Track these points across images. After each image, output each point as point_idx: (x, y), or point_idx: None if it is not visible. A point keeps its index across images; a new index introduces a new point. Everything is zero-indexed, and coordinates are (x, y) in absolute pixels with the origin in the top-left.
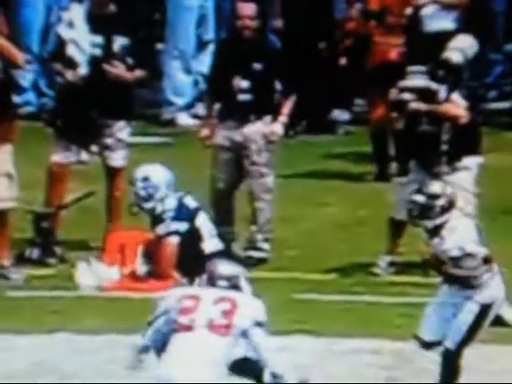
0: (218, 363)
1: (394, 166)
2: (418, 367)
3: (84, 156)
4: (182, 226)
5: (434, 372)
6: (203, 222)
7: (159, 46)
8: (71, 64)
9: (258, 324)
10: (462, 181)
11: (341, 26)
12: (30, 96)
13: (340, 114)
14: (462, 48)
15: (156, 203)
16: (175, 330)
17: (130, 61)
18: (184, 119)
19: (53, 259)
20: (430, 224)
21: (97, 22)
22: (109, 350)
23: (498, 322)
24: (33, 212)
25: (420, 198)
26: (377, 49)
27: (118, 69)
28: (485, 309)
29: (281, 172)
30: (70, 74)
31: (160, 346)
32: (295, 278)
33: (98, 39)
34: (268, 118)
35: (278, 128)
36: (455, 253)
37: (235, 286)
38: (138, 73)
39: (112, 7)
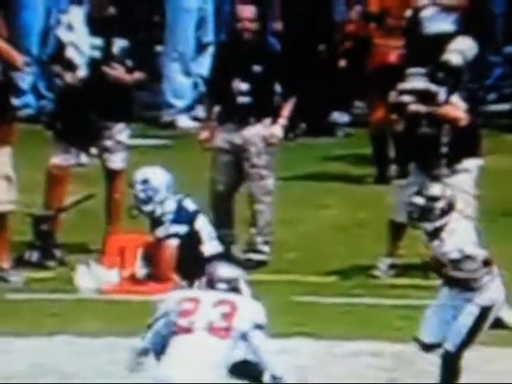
0: (217, 366)
1: (393, 169)
2: (418, 369)
3: (83, 158)
4: (182, 229)
5: (434, 374)
6: (203, 225)
7: (159, 48)
8: (70, 66)
9: (258, 326)
10: (461, 183)
11: (340, 29)
12: (29, 98)
13: (340, 117)
14: (461, 50)
15: (155, 206)
16: (175, 333)
17: (129, 63)
18: (184, 121)
19: (52, 262)
20: (429, 226)
21: (96, 25)
22: (108, 353)
23: (498, 324)
24: (32, 215)
25: (420, 201)
26: (376, 51)
27: (117, 71)
28: (485, 311)
29: (280, 174)
30: (69, 77)
31: (159, 348)
32: (295, 281)
33: (98, 41)
34: (268, 121)
35: (277, 130)
36: (455, 255)
37: (235, 289)
38: (138, 75)
39: (111, 9)
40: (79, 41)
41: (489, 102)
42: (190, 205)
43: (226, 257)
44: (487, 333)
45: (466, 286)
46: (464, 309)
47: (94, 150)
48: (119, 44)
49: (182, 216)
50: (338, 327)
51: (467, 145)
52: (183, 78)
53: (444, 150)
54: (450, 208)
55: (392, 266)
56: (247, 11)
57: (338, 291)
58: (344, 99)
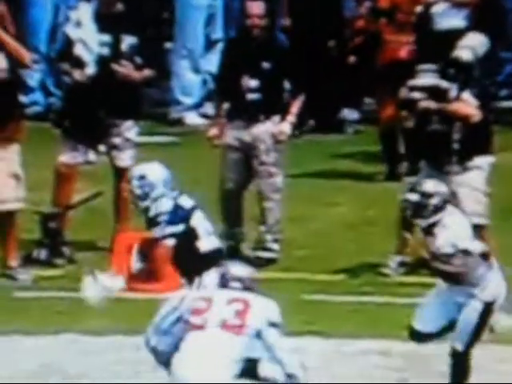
0: (231, 361)
1: (404, 166)
2: (428, 369)
3: (91, 156)
4: (178, 228)
5: (444, 373)
6: (199, 221)
7: (167, 45)
8: (79, 63)
9: (273, 324)
10: (473, 180)
11: (350, 24)
12: (38, 96)
13: (349, 113)
14: (472, 46)
15: (151, 203)
16: (187, 330)
17: (138, 60)
18: (192, 118)
19: (60, 260)
20: (423, 223)
21: (105, 21)
22: (115, 351)
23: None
24: (40, 213)
25: (413, 197)
26: (387, 47)
27: (126, 68)
28: (488, 307)
29: (289, 172)
30: (77, 74)
31: (172, 348)
32: (304, 279)
33: (106, 38)
34: (277, 118)
35: (286, 127)
36: (448, 250)
37: (248, 288)
38: (146, 72)
39: (120, 6)
40: (88, 38)
41: (500, 98)
42: (185, 202)
43: (233, 254)
44: (496, 331)
45: (460, 280)
46: (467, 306)
47: (102, 148)
48: (128, 41)
49: (178, 215)
50: (347, 326)
51: (478, 142)
52: (192, 75)
53: (455, 146)
54: (443, 204)
55: (402, 264)
56: (256, 8)
57: (348, 289)
58: (354, 96)
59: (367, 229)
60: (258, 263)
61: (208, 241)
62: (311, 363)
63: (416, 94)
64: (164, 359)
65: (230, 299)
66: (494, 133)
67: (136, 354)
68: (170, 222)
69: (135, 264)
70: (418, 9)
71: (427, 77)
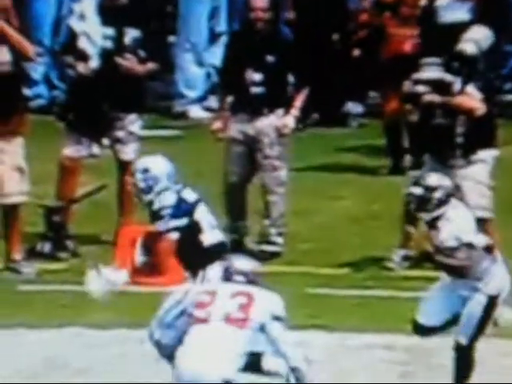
0: (235, 355)
1: (408, 159)
2: (432, 362)
3: (95, 149)
4: (182, 222)
5: (448, 367)
6: (202, 215)
7: (171, 38)
8: (83, 56)
9: (277, 318)
10: (477, 174)
11: (354, 18)
12: (41, 89)
13: (353, 107)
14: (476, 39)
15: (155, 196)
16: (191, 324)
17: (141, 53)
18: (196, 112)
19: (64, 253)
20: (427, 216)
21: (108, 14)
22: (119, 345)
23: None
24: (44, 206)
25: (417, 191)
26: (391, 40)
27: (129, 61)
28: (492, 300)
29: (294, 165)
30: (81, 67)
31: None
32: (308, 273)
33: (110, 31)
34: (281, 111)
35: (289, 121)
36: (451, 243)
37: (252, 281)
38: (150, 65)
39: None
40: (91, 31)
41: (505, 91)
42: (189, 196)
43: (237, 248)
44: (499, 325)
45: (463, 274)
46: (472, 299)
47: (105, 141)
48: (131, 34)
49: (181, 209)
50: (352, 319)
51: (483, 135)
52: (196, 68)
53: (459, 140)
54: (447, 198)
55: (406, 258)
56: (260, 1)
57: (352, 283)
58: (358, 89)
59: (371, 223)
60: (262, 257)
61: (211, 234)
62: (315, 357)
63: (420, 88)
64: (167, 352)
65: (234, 293)
66: (498, 126)
67: (140, 347)
68: (174, 216)
69: (139, 257)
70: (422, 2)
71: (431, 70)
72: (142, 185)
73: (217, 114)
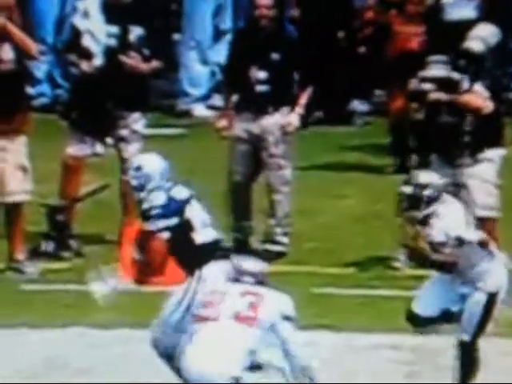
0: (244, 352)
1: (414, 158)
2: (439, 362)
3: (99, 148)
4: (172, 222)
5: (454, 367)
6: (194, 213)
7: (175, 36)
8: (86, 55)
9: (286, 318)
10: (484, 173)
11: (359, 15)
12: (45, 87)
13: (359, 105)
14: (483, 37)
15: (147, 194)
16: (199, 322)
17: (145, 51)
18: (200, 110)
19: (68, 253)
20: (419, 214)
21: (112, 12)
22: (121, 345)
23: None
24: (47, 205)
25: (407, 189)
26: (396, 38)
27: (133, 59)
28: (492, 297)
29: (298, 164)
30: (85, 65)
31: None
32: (314, 272)
33: (114, 29)
34: (286, 110)
35: (294, 119)
36: (441, 238)
37: (261, 282)
38: (154, 63)
39: None
40: (95, 29)
41: None
42: (179, 194)
43: (242, 248)
44: (503, 324)
45: (452, 269)
46: (471, 297)
47: (109, 140)
48: (136, 32)
49: (171, 209)
50: (358, 319)
51: (490, 134)
52: (200, 66)
53: (466, 139)
54: (438, 196)
55: None
56: None
57: (357, 283)
58: (363, 87)
59: (376, 222)
60: (268, 256)
61: (204, 232)
62: (322, 357)
63: (426, 86)
64: (166, 353)
65: (244, 292)
66: (506, 124)
67: (142, 347)
68: (163, 216)
69: (134, 256)
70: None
71: (438, 68)
72: (134, 182)
73: (221, 113)
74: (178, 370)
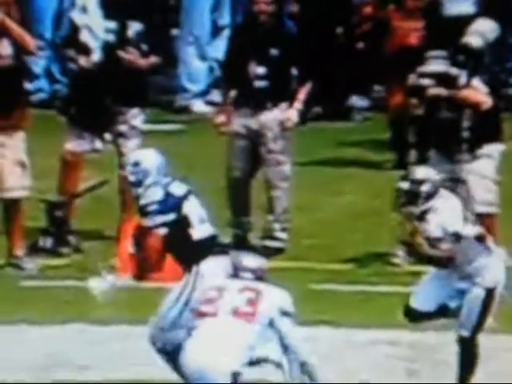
0: (243, 348)
1: (413, 154)
2: (437, 358)
3: (98, 144)
4: (169, 217)
5: (453, 363)
6: (192, 208)
7: (174, 31)
8: (84, 50)
9: (285, 314)
10: (482, 169)
11: (358, 11)
12: (43, 83)
13: (358, 100)
14: (482, 32)
15: (144, 190)
16: (198, 318)
17: (144, 47)
18: (198, 106)
19: (66, 249)
20: (416, 210)
21: (111, 8)
22: (120, 341)
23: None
24: (46, 201)
25: (404, 185)
26: (395, 33)
27: (132, 55)
28: (490, 292)
29: (297, 159)
30: (83, 61)
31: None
32: (312, 268)
33: (112, 25)
34: (284, 105)
35: (292, 114)
36: (437, 233)
37: (260, 278)
38: (153, 59)
39: None
40: (93, 24)
41: (510, 85)
42: (177, 190)
43: (241, 244)
44: (504, 320)
45: (448, 264)
46: (470, 293)
47: (108, 136)
48: (134, 27)
49: (168, 204)
50: (357, 315)
51: (488, 129)
52: (199, 62)
53: (465, 134)
54: (435, 191)
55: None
56: None
57: (356, 279)
58: (362, 83)
59: (374, 218)
60: (266, 252)
61: (201, 228)
62: (321, 352)
63: (425, 81)
64: (165, 349)
65: (242, 288)
66: (504, 120)
67: (141, 343)
68: (160, 211)
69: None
70: None
71: (437, 63)
72: (131, 178)
73: (220, 108)
74: (176, 366)
